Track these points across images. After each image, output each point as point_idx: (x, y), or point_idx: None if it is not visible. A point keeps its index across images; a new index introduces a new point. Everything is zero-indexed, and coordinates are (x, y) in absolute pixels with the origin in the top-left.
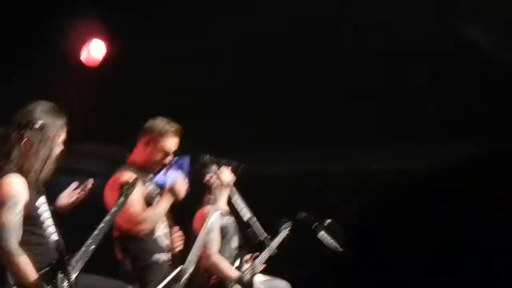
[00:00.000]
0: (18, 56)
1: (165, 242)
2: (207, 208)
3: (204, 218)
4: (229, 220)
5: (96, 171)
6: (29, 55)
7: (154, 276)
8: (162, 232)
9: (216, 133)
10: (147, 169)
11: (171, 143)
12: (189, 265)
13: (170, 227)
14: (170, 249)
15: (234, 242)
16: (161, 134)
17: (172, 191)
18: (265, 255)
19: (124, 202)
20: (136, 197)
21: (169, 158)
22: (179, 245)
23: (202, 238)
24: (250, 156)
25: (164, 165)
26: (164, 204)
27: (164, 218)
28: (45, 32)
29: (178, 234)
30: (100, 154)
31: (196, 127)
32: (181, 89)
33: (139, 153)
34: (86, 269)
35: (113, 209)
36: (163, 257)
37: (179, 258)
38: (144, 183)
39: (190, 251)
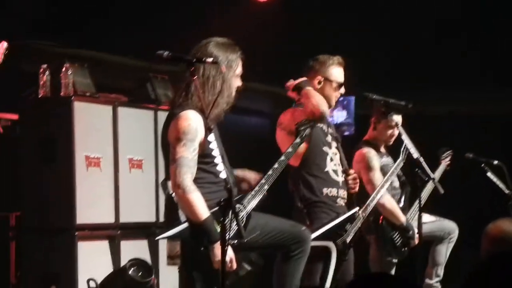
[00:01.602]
0: None
1: (335, 177)
2: (366, 149)
3: (364, 159)
4: (386, 160)
5: (262, 110)
6: None
7: (323, 213)
8: (331, 168)
9: (381, 72)
10: None
11: (337, 72)
12: (367, 209)
13: (345, 171)
14: (340, 186)
15: (394, 182)
16: (326, 64)
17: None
18: (426, 192)
19: (299, 143)
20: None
21: (342, 90)
22: (354, 187)
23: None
24: (415, 95)
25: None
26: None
27: (337, 157)
28: None
29: (352, 177)
30: (265, 93)
31: (361, 65)
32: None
33: None
34: (261, 208)
35: (288, 150)
36: (333, 192)
37: (355, 199)
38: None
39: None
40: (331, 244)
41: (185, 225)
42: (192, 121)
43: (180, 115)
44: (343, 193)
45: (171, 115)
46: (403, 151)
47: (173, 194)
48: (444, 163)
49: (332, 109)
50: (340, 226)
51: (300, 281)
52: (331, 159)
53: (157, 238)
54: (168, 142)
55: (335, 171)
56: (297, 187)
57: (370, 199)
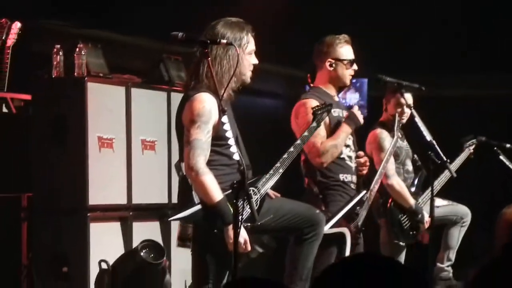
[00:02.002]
0: None
1: (349, 163)
2: (378, 130)
3: (376, 140)
4: (401, 143)
5: (275, 91)
6: None
7: (338, 196)
8: (347, 154)
9: (394, 56)
10: (332, 88)
11: (346, 50)
12: (373, 190)
13: (355, 151)
14: (354, 172)
15: (408, 166)
16: (334, 45)
17: (351, 119)
18: (444, 178)
19: (316, 127)
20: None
21: (354, 67)
22: (363, 170)
23: (383, 163)
24: (428, 79)
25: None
26: (343, 134)
27: (350, 142)
28: None
29: (363, 160)
30: (278, 75)
31: (375, 48)
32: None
33: (320, 76)
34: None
35: (305, 134)
36: (348, 178)
37: (362, 182)
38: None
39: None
40: (345, 230)
41: (199, 206)
42: (206, 103)
43: (194, 97)
44: (354, 178)
45: (185, 97)
46: (396, 129)
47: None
48: (468, 150)
49: (345, 91)
50: (352, 210)
51: (314, 265)
52: (347, 146)
53: (170, 219)
54: (182, 124)
55: (349, 157)
56: (312, 172)
57: (374, 181)
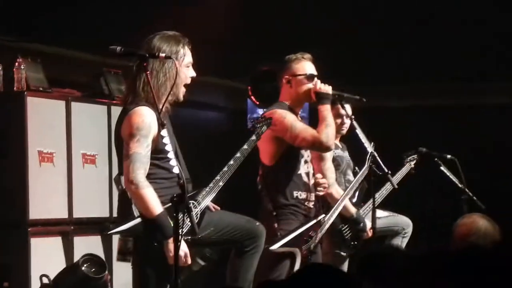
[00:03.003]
0: None
1: (306, 180)
2: None
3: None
4: (342, 153)
5: (217, 104)
6: None
7: (291, 214)
8: (304, 171)
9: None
10: (297, 105)
11: (303, 65)
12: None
13: (313, 174)
14: (310, 189)
15: (349, 176)
16: (293, 63)
17: (320, 98)
18: (385, 191)
19: (256, 140)
20: (299, 123)
21: (316, 82)
22: (321, 191)
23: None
24: (371, 90)
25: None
26: (326, 112)
27: (308, 159)
28: None
29: (322, 181)
30: (220, 87)
31: (317, 59)
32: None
33: (283, 94)
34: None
35: (244, 147)
36: (302, 195)
37: (321, 205)
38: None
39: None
40: (296, 250)
41: (138, 220)
42: (145, 117)
43: (133, 111)
44: (312, 196)
45: (124, 111)
46: (368, 159)
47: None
48: (409, 165)
49: None
50: (306, 232)
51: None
52: (305, 162)
53: (109, 233)
54: (121, 138)
55: (307, 174)
56: (268, 188)
57: (335, 206)
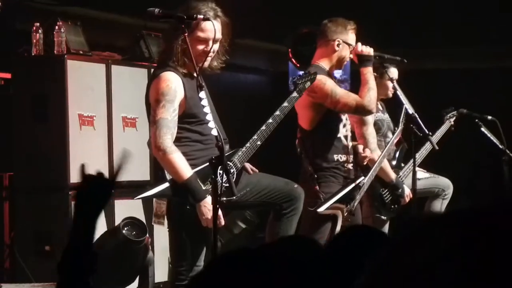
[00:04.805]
0: None
1: (345, 143)
2: None
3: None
4: (382, 115)
5: (258, 66)
6: None
7: (332, 177)
8: (343, 134)
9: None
10: (332, 67)
11: (353, 37)
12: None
13: (354, 147)
14: (349, 151)
15: (389, 138)
16: (346, 30)
17: (362, 60)
18: (425, 151)
19: (296, 98)
20: (339, 89)
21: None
22: (364, 161)
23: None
24: (410, 51)
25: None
26: (368, 75)
27: (347, 122)
28: None
29: (364, 154)
30: (261, 50)
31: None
32: None
33: (323, 54)
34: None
35: (284, 104)
36: (343, 158)
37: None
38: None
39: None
40: (338, 212)
41: (166, 184)
42: (170, 82)
43: (159, 77)
44: (351, 158)
45: (152, 75)
46: (401, 120)
47: None
48: (448, 123)
49: None
50: (347, 195)
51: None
52: (344, 125)
53: (136, 198)
54: (149, 103)
55: (345, 137)
56: (307, 151)
57: (373, 168)
